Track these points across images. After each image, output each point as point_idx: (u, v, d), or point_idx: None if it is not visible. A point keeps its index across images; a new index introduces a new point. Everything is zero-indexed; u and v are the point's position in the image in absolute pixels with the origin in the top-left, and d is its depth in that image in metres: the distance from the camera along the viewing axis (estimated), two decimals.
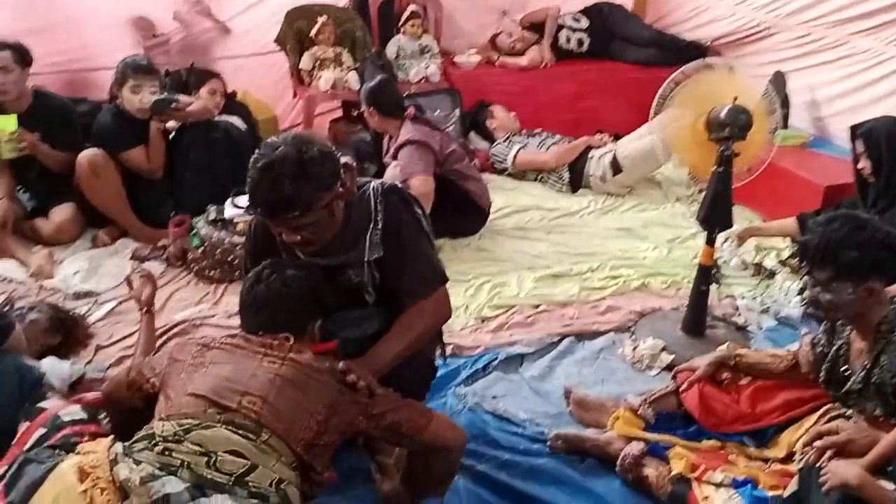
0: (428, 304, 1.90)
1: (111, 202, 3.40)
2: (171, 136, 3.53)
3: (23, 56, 3.30)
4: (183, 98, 3.50)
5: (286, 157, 1.67)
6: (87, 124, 3.54)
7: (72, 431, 1.52)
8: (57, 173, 3.42)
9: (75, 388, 2.27)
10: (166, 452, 1.39)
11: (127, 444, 1.42)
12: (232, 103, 4.10)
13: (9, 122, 3.23)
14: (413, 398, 1.82)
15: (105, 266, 3.24)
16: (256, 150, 1.74)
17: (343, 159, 1.83)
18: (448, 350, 2.65)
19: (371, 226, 1.85)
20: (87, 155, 3.31)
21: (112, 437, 1.46)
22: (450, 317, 2.03)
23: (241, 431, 1.46)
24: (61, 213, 3.42)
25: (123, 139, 3.40)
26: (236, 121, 3.89)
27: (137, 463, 1.37)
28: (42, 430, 1.54)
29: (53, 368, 2.29)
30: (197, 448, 1.41)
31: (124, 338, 2.74)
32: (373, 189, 1.89)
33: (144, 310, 2.38)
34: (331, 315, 1.88)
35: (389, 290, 1.90)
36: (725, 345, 2.36)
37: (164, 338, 2.69)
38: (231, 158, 3.46)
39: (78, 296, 3.01)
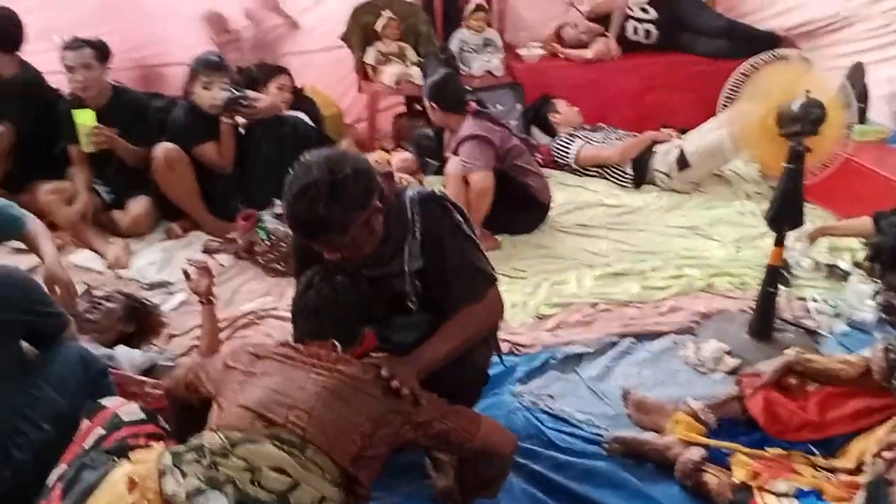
0: (478, 308, 1.89)
1: (184, 196, 3.53)
2: (241, 132, 3.63)
3: (102, 53, 3.44)
4: (252, 95, 3.60)
5: (320, 180, 1.66)
6: (162, 119, 3.68)
7: (128, 433, 1.55)
8: (134, 167, 3.56)
9: (147, 377, 2.39)
10: (213, 466, 1.41)
11: (177, 453, 1.45)
12: (299, 98, 4.19)
13: (87, 118, 3.38)
14: (463, 405, 1.83)
15: (178, 257, 3.35)
16: (290, 171, 1.73)
17: (381, 168, 1.85)
18: (504, 348, 2.66)
19: (409, 236, 1.84)
20: (162, 150, 3.44)
21: (164, 444, 1.49)
22: (501, 318, 2.01)
23: (286, 447, 1.48)
24: (137, 205, 3.56)
25: (196, 134, 3.53)
26: (303, 116, 3.97)
27: (184, 476, 1.40)
28: (101, 431, 1.56)
29: (126, 356, 2.42)
30: (242, 463, 1.43)
31: (195, 327, 2.82)
32: (409, 198, 1.86)
33: (204, 301, 2.46)
34: (382, 321, 1.90)
35: (435, 299, 1.90)
36: (793, 349, 2.29)
37: (231, 329, 2.78)
38: (299, 153, 3.51)
39: (152, 286, 3.14)
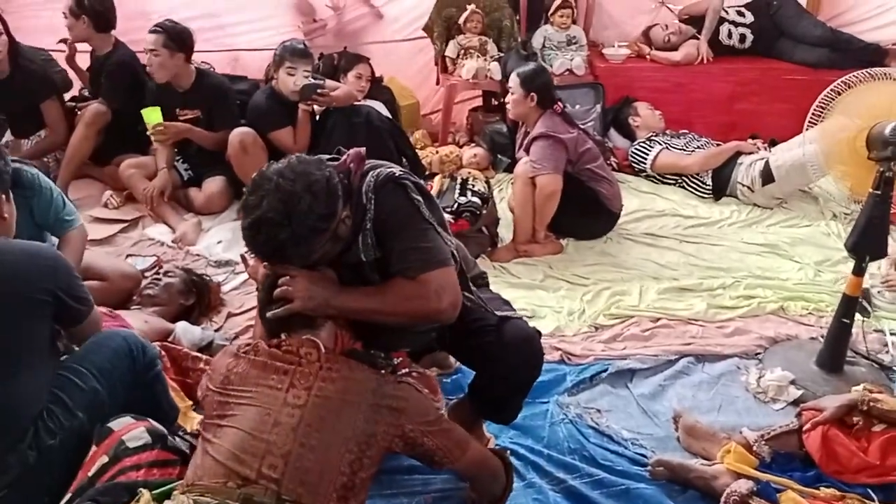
0: (407, 285, 1.72)
1: None
2: (317, 119, 3.69)
3: (174, 39, 3.48)
4: (329, 83, 3.66)
5: (274, 218, 1.56)
6: (244, 101, 3.78)
7: (130, 463, 1.54)
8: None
9: (204, 352, 2.47)
10: None
11: None
12: (377, 88, 4.23)
13: (153, 116, 3.49)
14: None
15: None
16: (244, 194, 1.63)
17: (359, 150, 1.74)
18: (555, 356, 2.63)
19: (362, 223, 1.72)
20: (239, 133, 3.53)
21: (150, 497, 1.44)
22: (441, 311, 1.74)
23: None
24: (212, 185, 3.68)
25: (273, 120, 3.61)
26: (379, 106, 4.01)
27: None
28: (104, 459, 1.54)
29: (185, 332, 2.51)
30: None
31: (253, 308, 2.88)
32: (366, 184, 1.73)
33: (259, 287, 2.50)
34: None
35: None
36: (861, 386, 2.15)
37: None
38: (369, 143, 3.55)
39: (219, 264, 3.23)
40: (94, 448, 1.58)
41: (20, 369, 1.59)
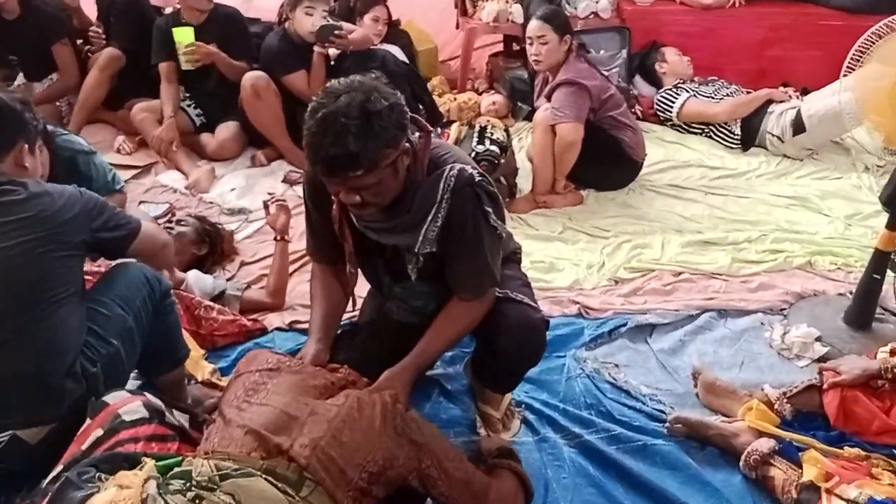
0: (474, 306, 1.79)
1: (270, 124, 3.54)
2: (331, 63, 3.59)
3: None
4: (346, 26, 3.54)
5: (350, 108, 1.48)
6: (257, 45, 3.69)
7: (127, 436, 1.52)
8: (226, 92, 3.59)
9: (216, 301, 2.43)
10: (197, 500, 1.31)
11: (164, 479, 1.37)
12: (394, 32, 4.10)
13: (186, 35, 3.41)
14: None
15: (260, 185, 3.40)
16: (315, 98, 1.56)
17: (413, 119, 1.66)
18: (573, 309, 2.58)
19: (429, 218, 1.68)
20: (251, 77, 3.45)
21: (152, 467, 1.40)
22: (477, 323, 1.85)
23: (280, 485, 1.37)
24: (225, 130, 3.62)
25: (286, 63, 3.52)
26: (396, 50, 3.89)
27: None
28: (99, 432, 1.52)
29: (198, 281, 2.48)
30: (228, 499, 1.32)
31: (267, 257, 2.85)
32: (445, 178, 1.68)
33: (279, 237, 2.45)
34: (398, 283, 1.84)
35: (438, 273, 1.80)
36: (888, 347, 2.08)
37: (301, 262, 2.78)
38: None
39: (232, 212, 3.19)
40: (87, 421, 1.56)
41: (62, 304, 1.67)
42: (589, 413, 2.14)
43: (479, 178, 1.71)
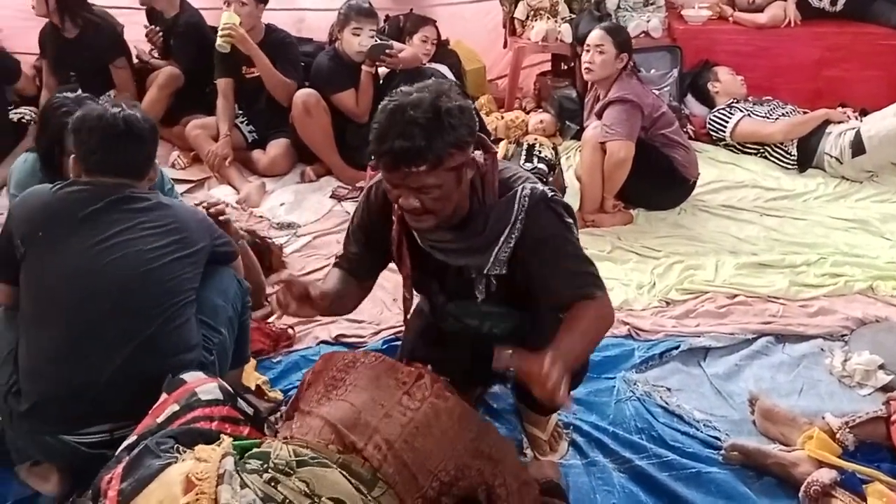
0: (593, 307, 1.63)
1: (319, 141, 3.59)
2: (380, 82, 3.62)
3: None
4: (396, 45, 3.58)
5: (421, 102, 1.48)
6: (308, 64, 3.74)
7: (202, 414, 1.54)
8: (278, 109, 3.64)
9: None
10: (272, 483, 1.32)
11: (241, 458, 1.38)
12: (443, 51, 4.12)
13: (231, 17, 3.45)
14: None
15: (308, 200, 3.44)
16: (387, 97, 1.57)
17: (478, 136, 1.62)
18: (623, 331, 2.52)
19: (503, 239, 1.65)
20: (302, 95, 3.50)
21: (240, 428, 1.45)
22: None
23: (354, 480, 1.37)
24: (276, 147, 3.67)
25: (336, 82, 3.56)
26: (444, 69, 3.91)
27: (242, 486, 1.31)
28: (175, 407, 1.55)
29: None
30: (303, 486, 1.32)
31: (315, 270, 2.88)
32: (519, 199, 1.65)
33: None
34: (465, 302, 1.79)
35: (513, 296, 1.75)
36: None
37: None
38: None
39: (281, 226, 3.23)
40: (163, 396, 1.60)
41: (191, 305, 1.82)
42: (640, 437, 2.08)
43: (552, 194, 1.69)
